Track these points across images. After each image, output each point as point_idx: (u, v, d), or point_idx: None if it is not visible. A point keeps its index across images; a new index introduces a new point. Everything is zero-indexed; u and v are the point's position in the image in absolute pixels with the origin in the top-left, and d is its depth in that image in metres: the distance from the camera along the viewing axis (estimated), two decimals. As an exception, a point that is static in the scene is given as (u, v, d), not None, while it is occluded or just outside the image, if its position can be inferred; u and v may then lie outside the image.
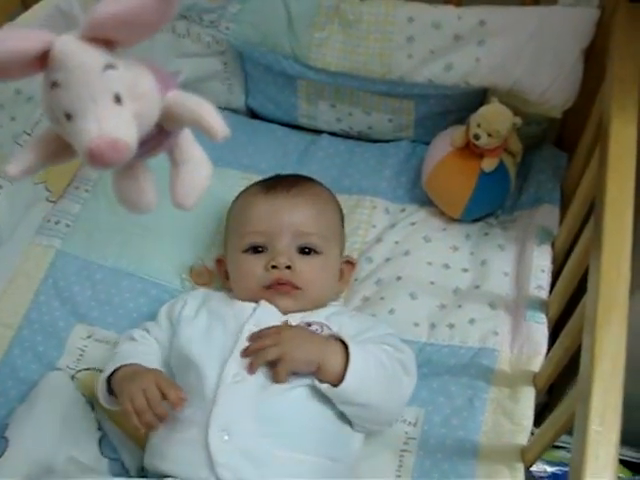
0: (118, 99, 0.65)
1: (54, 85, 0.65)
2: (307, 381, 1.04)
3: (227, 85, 1.52)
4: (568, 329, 1.03)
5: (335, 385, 1.02)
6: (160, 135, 0.72)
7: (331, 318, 1.14)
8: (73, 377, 1.22)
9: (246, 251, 1.20)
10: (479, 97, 1.35)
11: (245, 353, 1.05)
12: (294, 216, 1.20)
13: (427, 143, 1.42)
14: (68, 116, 0.65)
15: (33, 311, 1.29)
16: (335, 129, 1.53)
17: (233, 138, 1.55)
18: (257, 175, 1.40)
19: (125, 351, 1.14)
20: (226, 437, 0.99)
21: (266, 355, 1.03)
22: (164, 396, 1.00)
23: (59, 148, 0.71)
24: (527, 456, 1.06)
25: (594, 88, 1.24)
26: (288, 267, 1.16)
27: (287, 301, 1.16)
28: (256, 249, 1.20)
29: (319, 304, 1.19)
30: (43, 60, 0.65)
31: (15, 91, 1.24)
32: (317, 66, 1.37)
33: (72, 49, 0.64)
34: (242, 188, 1.33)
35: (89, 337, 1.27)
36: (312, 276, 1.18)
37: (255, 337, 1.06)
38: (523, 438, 1.09)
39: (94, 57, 0.65)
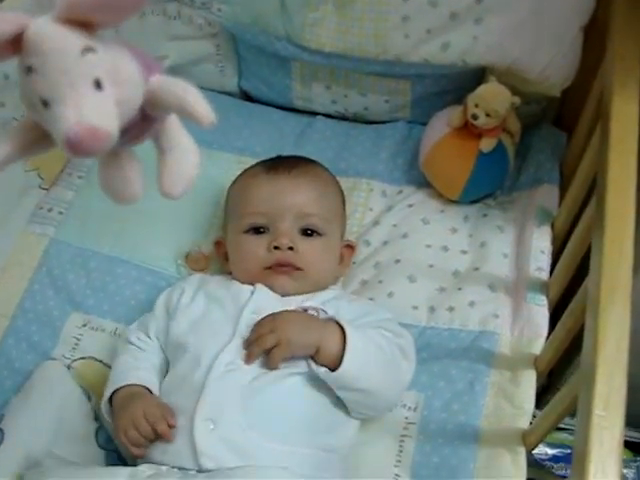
0: (98, 84, 0.62)
1: (29, 70, 0.62)
2: (301, 369, 1.03)
3: (220, 68, 1.49)
4: (570, 311, 1.02)
5: (333, 369, 1.00)
6: (144, 122, 0.69)
7: (328, 303, 1.13)
8: (69, 367, 1.20)
9: (247, 232, 1.19)
10: (476, 76, 1.33)
11: (245, 345, 1.03)
12: (296, 197, 1.19)
13: (424, 124, 1.40)
14: (45, 103, 0.62)
15: (27, 300, 1.27)
16: (330, 111, 1.51)
17: (228, 121, 1.53)
18: (252, 158, 1.38)
19: (123, 365, 1.12)
20: (211, 426, 0.97)
21: (264, 343, 1.01)
22: (153, 428, 0.99)
23: (38, 137, 0.67)
24: (529, 440, 1.05)
25: (593, 66, 1.22)
26: (290, 248, 1.15)
27: (286, 281, 1.15)
28: (257, 230, 1.18)
29: (319, 287, 1.18)
30: (17, 44, 0.61)
31: (3, 76, 1.22)
32: (311, 47, 1.34)
33: (47, 32, 0.61)
34: (238, 172, 1.32)
35: (84, 326, 1.25)
36: (314, 258, 1.17)
37: (255, 324, 1.05)
38: (524, 422, 1.08)
39: (71, 40, 0.61)
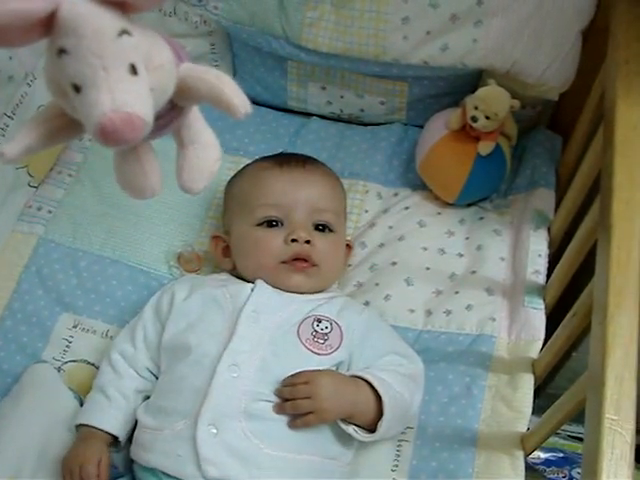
0: (134, 69, 0.59)
1: (61, 52, 0.58)
2: None
3: (214, 67, 1.46)
4: (572, 314, 1.02)
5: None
6: (172, 112, 0.66)
7: (340, 314, 1.10)
8: (60, 369, 1.18)
9: (260, 225, 1.17)
10: (474, 79, 1.33)
11: (278, 395, 1.00)
12: (311, 191, 1.18)
13: (419, 126, 1.40)
14: (76, 87, 0.58)
15: (16, 301, 1.24)
16: (325, 112, 1.49)
17: (221, 120, 1.51)
18: (246, 158, 1.36)
19: (96, 400, 1.09)
20: (214, 431, 0.96)
21: (300, 408, 0.98)
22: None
23: (63, 125, 0.64)
24: (528, 443, 1.05)
25: (588, 69, 1.23)
26: (307, 242, 1.14)
27: (302, 279, 1.14)
28: (270, 223, 1.16)
29: (328, 284, 1.18)
30: (49, 24, 0.57)
31: (-6, 71, 1.19)
32: (309, 47, 1.32)
33: (83, 11, 0.57)
34: (231, 172, 1.30)
35: (75, 327, 1.23)
36: (328, 254, 1.16)
37: (288, 382, 1.00)
38: (523, 425, 1.08)
39: (108, 21, 0.57)
